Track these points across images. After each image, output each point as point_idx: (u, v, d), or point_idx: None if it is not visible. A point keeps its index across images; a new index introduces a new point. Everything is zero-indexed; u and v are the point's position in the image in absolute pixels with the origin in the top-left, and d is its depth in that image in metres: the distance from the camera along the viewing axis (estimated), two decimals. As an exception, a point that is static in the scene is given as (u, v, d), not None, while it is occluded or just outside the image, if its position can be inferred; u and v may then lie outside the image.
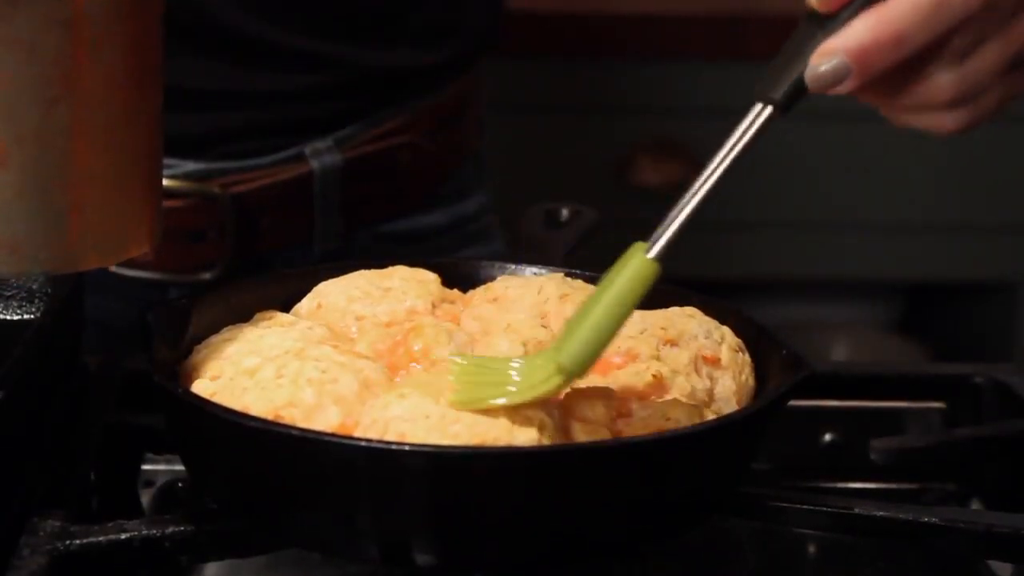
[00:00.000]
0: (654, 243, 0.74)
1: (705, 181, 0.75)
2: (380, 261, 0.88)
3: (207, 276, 1.16)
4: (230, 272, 1.15)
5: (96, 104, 0.78)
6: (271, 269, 1.14)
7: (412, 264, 0.88)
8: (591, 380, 0.77)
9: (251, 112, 1.16)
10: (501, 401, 0.71)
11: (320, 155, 1.16)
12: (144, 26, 0.80)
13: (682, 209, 0.74)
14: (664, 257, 0.74)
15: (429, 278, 0.87)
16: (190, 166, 1.15)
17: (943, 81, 0.77)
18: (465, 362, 0.75)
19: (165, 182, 1.13)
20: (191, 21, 1.12)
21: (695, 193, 0.75)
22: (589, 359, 0.73)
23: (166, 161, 1.14)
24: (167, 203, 1.14)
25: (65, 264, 0.79)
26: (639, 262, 0.73)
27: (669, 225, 0.74)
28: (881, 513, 0.78)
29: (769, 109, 0.75)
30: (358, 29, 1.17)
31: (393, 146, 1.19)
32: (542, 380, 0.72)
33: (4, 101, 0.75)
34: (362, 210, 1.19)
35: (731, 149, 0.75)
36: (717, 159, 0.75)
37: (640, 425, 0.75)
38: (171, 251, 1.14)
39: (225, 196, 1.14)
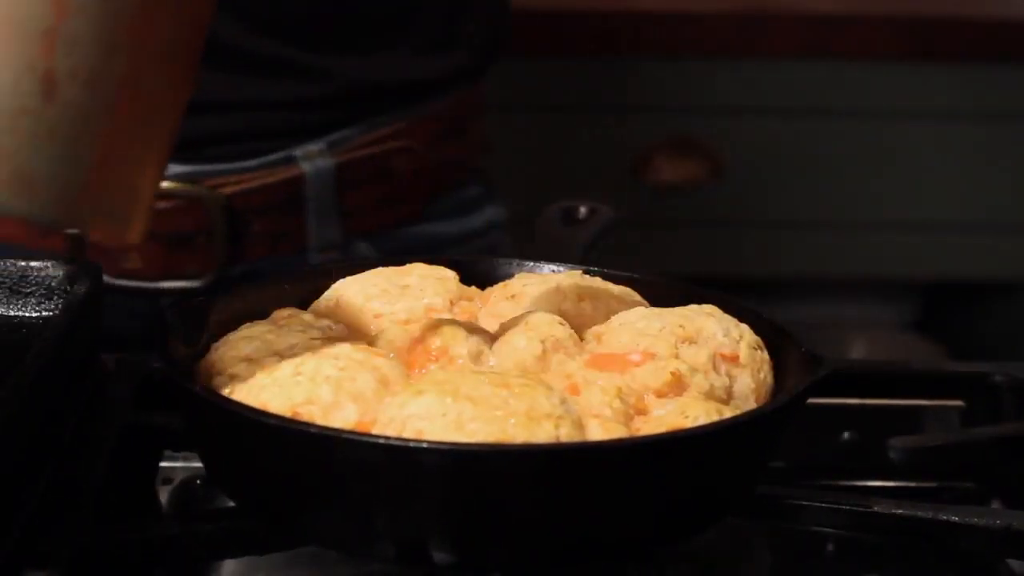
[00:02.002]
0: None
1: None
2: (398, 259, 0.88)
3: (197, 284, 1.12)
4: (222, 282, 1.12)
5: (150, 66, 0.75)
6: (289, 267, 1.12)
7: (430, 262, 0.88)
8: (609, 377, 0.77)
9: (241, 118, 1.14)
10: None
11: (312, 159, 1.14)
12: (204, 4, 0.77)
13: None
14: None
15: (447, 275, 0.87)
16: (177, 169, 1.11)
17: None
18: None
19: None
20: None
21: None
22: None
23: None
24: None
25: (71, 221, 0.76)
26: None
27: None
28: (900, 512, 0.78)
29: None
30: (352, 41, 1.15)
31: (388, 150, 1.16)
32: None
33: (72, 32, 0.72)
34: (359, 218, 1.16)
35: None
36: None
37: (658, 423, 0.75)
38: (160, 257, 1.11)
39: (214, 197, 1.11)
